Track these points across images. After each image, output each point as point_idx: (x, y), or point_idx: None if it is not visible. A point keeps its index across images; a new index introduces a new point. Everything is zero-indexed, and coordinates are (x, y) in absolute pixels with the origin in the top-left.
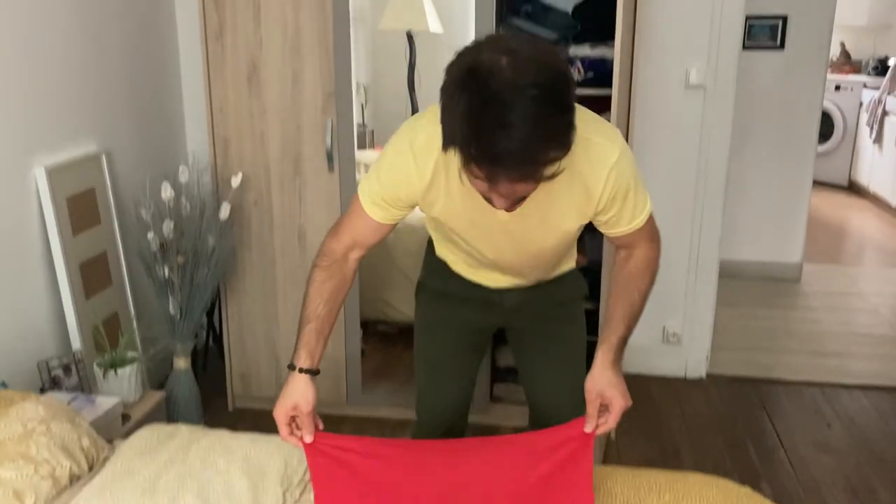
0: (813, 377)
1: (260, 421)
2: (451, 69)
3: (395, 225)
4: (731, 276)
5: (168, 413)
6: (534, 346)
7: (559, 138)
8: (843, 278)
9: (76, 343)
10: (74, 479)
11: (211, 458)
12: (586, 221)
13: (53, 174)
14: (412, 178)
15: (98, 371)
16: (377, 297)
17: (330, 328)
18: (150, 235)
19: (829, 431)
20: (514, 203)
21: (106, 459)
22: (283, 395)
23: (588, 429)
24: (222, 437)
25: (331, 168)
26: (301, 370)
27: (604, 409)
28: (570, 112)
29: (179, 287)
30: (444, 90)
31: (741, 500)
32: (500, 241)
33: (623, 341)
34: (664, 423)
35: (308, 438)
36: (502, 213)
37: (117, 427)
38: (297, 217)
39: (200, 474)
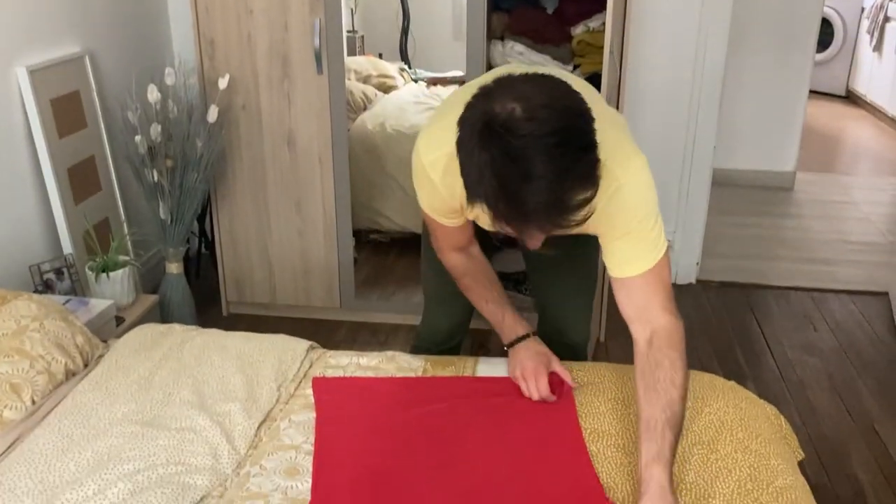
0: (802, 283)
1: (254, 326)
2: (465, 124)
3: (472, 224)
4: (725, 184)
5: (162, 317)
6: (545, 255)
7: (586, 179)
8: (837, 187)
9: (67, 248)
10: (70, 375)
11: (205, 355)
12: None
13: (36, 75)
14: (445, 196)
15: (90, 274)
16: (369, 206)
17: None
18: (138, 139)
19: (815, 335)
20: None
21: (101, 357)
22: (535, 357)
23: None
24: (216, 335)
25: (319, 70)
26: (529, 335)
27: None
28: (593, 149)
29: (169, 191)
30: (462, 146)
31: (726, 392)
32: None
33: (674, 452)
34: None
35: (572, 383)
36: None
37: (111, 329)
38: (286, 121)
39: (195, 371)
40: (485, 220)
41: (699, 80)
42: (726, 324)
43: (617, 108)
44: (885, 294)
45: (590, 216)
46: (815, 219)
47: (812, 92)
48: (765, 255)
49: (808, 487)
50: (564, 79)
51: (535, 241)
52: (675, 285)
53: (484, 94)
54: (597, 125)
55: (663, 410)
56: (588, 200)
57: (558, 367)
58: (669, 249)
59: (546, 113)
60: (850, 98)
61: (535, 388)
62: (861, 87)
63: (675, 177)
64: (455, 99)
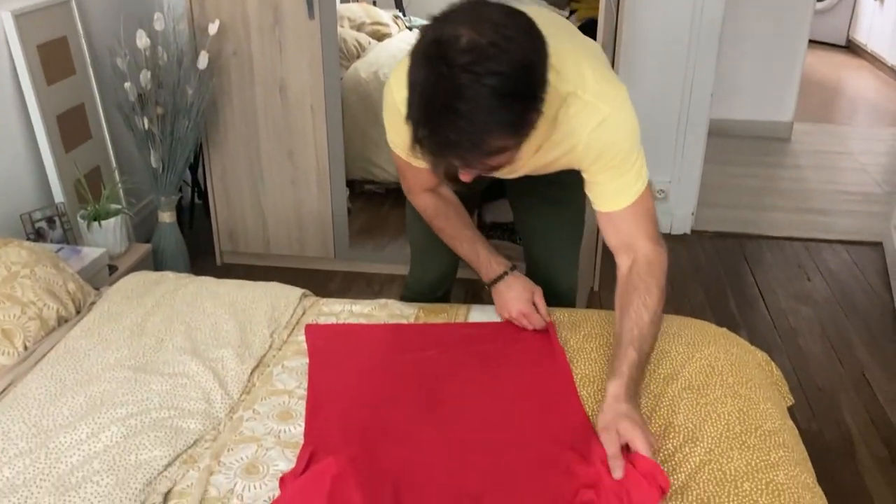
0: (796, 233)
1: (248, 276)
2: (421, 33)
3: None
4: (722, 135)
5: (155, 267)
6: (532, 201)
7: (509, 128)
8: (834, 137)
9: (58, 196)
10: (62, 322)
11: (198, 302)
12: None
13: (21, 20)
14: (404, 126)
15: (82, 223)
16: (363, 156)
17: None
18: (128, 86)
19: (808, 284)
20: (479, 175)
21: (93, 304)
22: (519, 292)
23: (616, 474)
24: (209, 282)
25: (311, 15)
26: (507, 272)
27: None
28: (533, 104)
29: (160, 139)
30: (411, 55)
31: (717, 339)
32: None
33: (636, 368)
34: None
35: (548, 318)
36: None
37: (104, 277)
38: (277, 68)
39: (188, 317)
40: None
41: (697, 28)
42: (720, 273)
43: (613, 55)
44: (880, 244)
45: (508, 163)
46: (811, 169)
47: (812, 42)
48: (760, 205)
49: (796, 431)
50: (549, 22)
51: (464, 175)
52: (669, 235)
53: (449, 10)
54: (573, 61)
55: (630, 330)
56: (508, 149)
57: (539, 298)
58: (655, 190)
59: (492, 51)
60: (851, 48)
61: (529, 323)
62: (861, 37)
63: (672, 126)
64: None
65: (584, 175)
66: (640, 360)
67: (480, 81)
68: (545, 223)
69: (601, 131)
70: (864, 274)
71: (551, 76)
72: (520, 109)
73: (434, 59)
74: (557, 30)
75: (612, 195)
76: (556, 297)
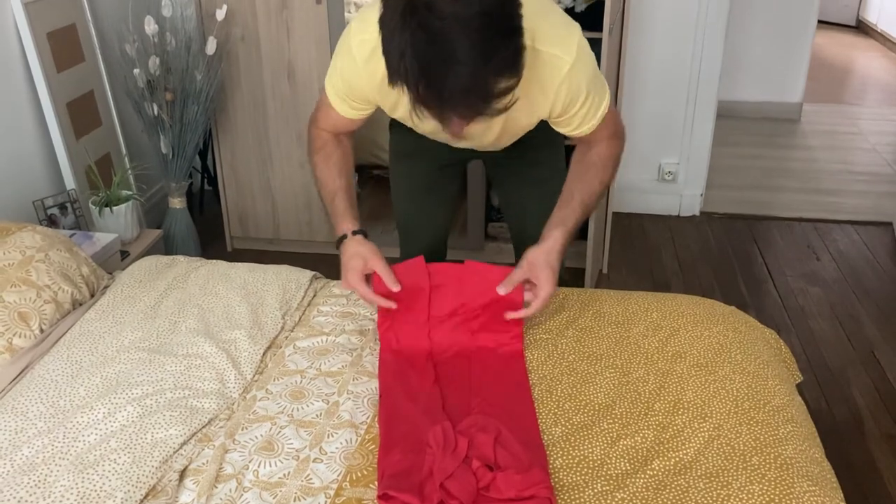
0: (806, 214)
1: (258, 261)
2: (389, 1)
3: (364, 121)
4: (731, 116)
5: (166, 251)
6: (514, 182)
7: (509, 67)
8: (844, 118)
9: (70, 183)
10: (76, 305)
11: (210, 285)
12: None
13: (31, 8)
14: (363, 81)
15: (94, 209)
16: (371, 140)
17: (354, 197)
18: (137, 72)
19: (818, 264)
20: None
21: (106, 287)
22: (347, 262)
23: (502, 291)
24: (220, 266)
25: (318, 0)
26: (354, 233)
27: (530, 286)
28: (518, 35)
29: (170, 125)
30: (384, 24)
31: (726, 317)
32: (464, 141)
33: (576, 226)
34: (655, 258)
35: (395, 287)
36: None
37: (116, 262)
38: (285, 52)
39: (200, 300)
40: (404, 108)
41: (705, 9)
42: (729, 255)
43: (621, 37)
44: (890, 224)
45: (512, 104)
46: (821, 150)
47: (822, 22)
48: (769, 186)
49: (804, 407)
50: None
51: (456, 126)
52: (678, 217)
53: None
54: (528, 9)
55: (581, 192)
56: (511, 88)
57: (379, 266)
58: (664, 172)
59: None
60: (861, 28)
61: (363, 300)
62: (871, 17)
63: (681, 108)
64: None
65: (552, 119)
66: (580, 219)
67: (470, 26)
68: (527, 201)
69: (569, 81)
70: (873, 254)
71: None
72: (511, 44)
73: (419, 16)
74: None
75: (579, 124)
76: None
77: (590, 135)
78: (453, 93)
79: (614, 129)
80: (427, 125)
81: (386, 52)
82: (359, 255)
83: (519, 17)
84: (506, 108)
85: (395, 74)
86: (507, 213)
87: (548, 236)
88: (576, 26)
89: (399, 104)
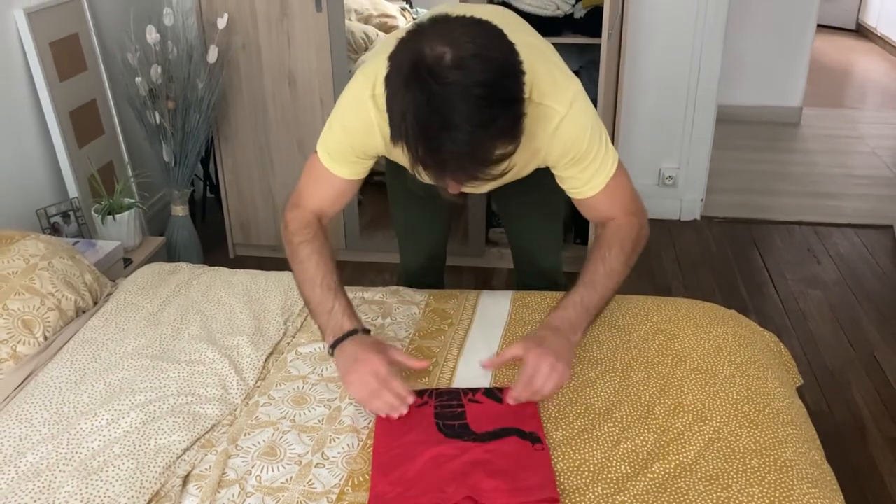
0: (806, 217)
1: (260, 268)
2: (395, 60)
3: (360, 184)
4: (731, 121)
5: (169, 259)
6: (510, 187)
7: (507, 134)
8: (844, 121)
9: (73, 191)
10: (80, 312)
11: (212, 291)
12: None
13: (34, 18)
14: (373, 126)
15: (96, 217)
16: None
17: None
18: (139, 81)
19: (818, 268)
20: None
21: (109, 295)
22: (351, 369)
23: (487, 364)
24: (223, 273)
25: (318, 8)
26: (356, 331)
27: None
28: (519, 103)
29: (172, 133)
30: (389, 83)
31: (726, 320)
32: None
33: (577, 310)
34: (656, 262)
35: (411, 399)
36: None
37: (119, 269)
38: (286, 60)
39: (203, 306)
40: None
41: (703, 13)
42: (730, 258)
43: (620, 42)
44: (890, 227)
45: (509, 171)
46: (821, 153)
47: (822, 26)
48: (770, 190)
49: (804, 409)
50: (501, 21)
51: (452, 188)
52: (679, 221)
53: (417, 32)
54: (527, 60)
55: (583, 275)
56: (507, 155)
57: (399, 354)
58: (664, 176)
59: (475, 63)
60: (860, 31)
61: (392, 400)
62: (871, 20)
63: (680, 112)
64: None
65: (554, 171)
66: (584, 303)
67: (472, 93)
68: (523, 205)
69: (560, 132)
70: (874, 256)
71: None
72: (511, 113)
73: (422, 80)
74: (508, 29)
75: (584, 183)
76: (542, 274)
77: (601, 206)
78: (450, 157)
79: (629, 204)
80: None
81: (389, 111)
82: (377, 350)
83: (521, 85)
84: (503, 174)
85: (397, 133)
86: (504, 217)
87: (557, 311)
88: (575, 80)
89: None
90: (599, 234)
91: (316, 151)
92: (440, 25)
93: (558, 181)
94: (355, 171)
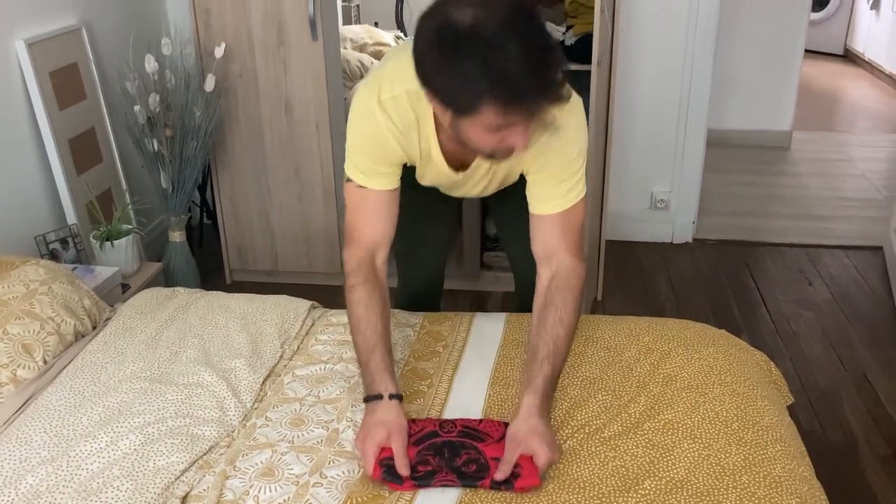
0: (797, 239)
1: (257, 293)
2: (424, 43)
3: (399, 191)
4: (721, 145)
5: (166, 284)
6: (508, 206)
7: (557, 52)
8: (833, 145)
9: (71, 218)
10: (79, 336)
11: (210, 315)
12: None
13: (34, 48)
14: (384, 133)
15: (95, 243)
16: None
17: (391, 348)
18: (137, 109)
19: (810, 289)
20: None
21: (108, 319)
22: (372, 424)
23: (499, 476)
24: (220, 297)
25: (314, 37)
26: (391, 396)
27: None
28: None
29: (169, 160)
30: (430, 65)
31: (716, 340)
32: (471, 191)
33: (550, 383)
34: (649, 285)
35: (405, 472)
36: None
37: (117, 294)
38: (282, 88)
39: (200, 330)
40: (416, 150)
41: (692, 39)
42: (722, 280)
43: (610, 68)
44: (880, 248)
45: (565, 101)
46: (811, 176)
47: (810, 52)
48: (761, 212)
49: (794, 427)
50: None
51: (521, 137)
52: (671, 244)
53: (430, 13)
54: None
55: (546, 345)
56: (564, 75)
57: (397, 445)
58: (656, 200)
59: (501, 6)
60: (849, 57)
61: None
62: (859, 46)
63: (671, 136)
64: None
65: (529, 176)
66: (553, 374)
67: (516, 28)
68: (522, 221)
69: (553, 134)
70: (864, 278)
71: None
72: (548, 34)
73: (470, 39)
74: None
75: (550, 198)
76: None
77: (555, 232)
78: (528, 82)
79: (579, 240)
80: (433, 169)
81: (446, 88)
82: (385, 426)
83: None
84: (564, 99)
85: (467, 101)
86: (502, 235)
87: (521, 406)
88: (578, 97)
89: (415, 156)
90: (552, 287)
91: (348, 180)
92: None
93: (527, 189)
94: (390, 181)
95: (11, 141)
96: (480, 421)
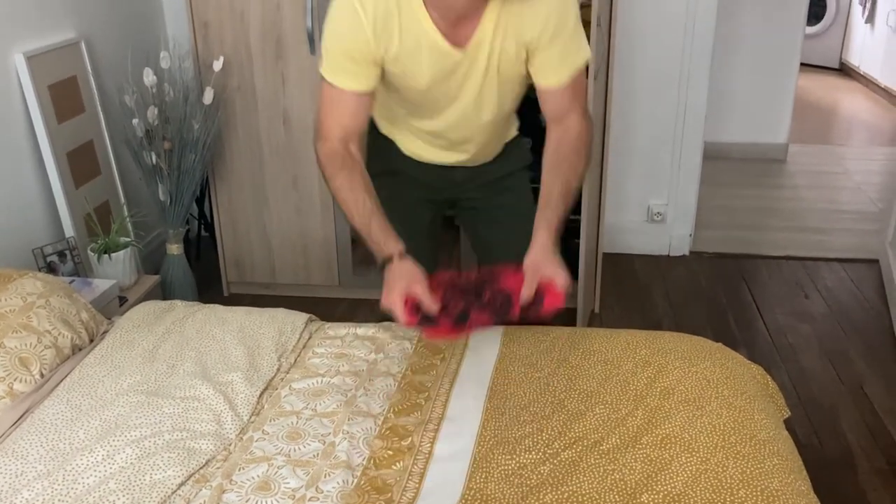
0: (794, 252)
1: (254, 305)
2: None
3: (373, 97)
4: (718, 158)
5: (164, 297)
6: (484, 218)
7: None
8: (829, 157)
9: (69, 231)
10: (76, 350)
11: (207, 328)
12: (525, 68)
13: (33, 61)
14: (360, 21)
15: (92, 256)
16: None
17: (384, 217)
18: (135, 122)
19: (806, 302)
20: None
21: (105, 332)
22: (392, 280)
23: (526, 294)
24: (217, 310)
25: (313, 51)
26: (401, 255)
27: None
28: None
29: (168, 173)
30: None
31: (713, 353)
32: (452, 105)
33: (561, 222)
34: (646, 297)
35: (434, 307)
36: (461, 66)
37: (115, 307)
38: (280, 100)
39: (197, 343)
40: (396, 48)
41: (689, 51)
42: (719, 293)
43: (606, 80)
44: (876, 261)
45: None
46: (807, 189)
47: (806, 65)
48: (757, 225)
49: (791, 440)
50: None
51: None
52: (668, 257)
53: None
54: None
55: (563, 185)
56: None
57: (419, 290)
58: (653, 212)
59: None
60: (844, 70)
61: (397, 317)
62: (854, 59)
63: (667, 149)
64: None
65: (536, 54)
66: (565, 214)
67: None
68: (498, 231)
69: (562, 5)
70: (861, 290)
71: None
72: None
73: None
74: None
75: (558, 67)
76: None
77: (564, 100)
78: None
79: (585, 101)
80: (426, 56)
81: None
82: (403, 278)
83: None
84: None
85: None
86: (479, 247)
87: (536, 239)
88: None
89: (392, 43)
90: (560, 141)
91: (322, 79)
92: None
93: (532, 69)
94: (359, 81)
95: (10, 153)
96: (492, 269)
